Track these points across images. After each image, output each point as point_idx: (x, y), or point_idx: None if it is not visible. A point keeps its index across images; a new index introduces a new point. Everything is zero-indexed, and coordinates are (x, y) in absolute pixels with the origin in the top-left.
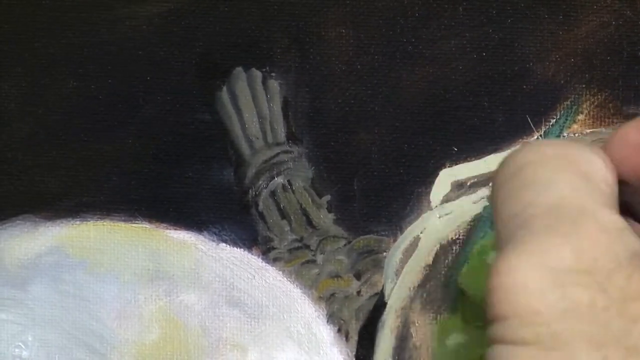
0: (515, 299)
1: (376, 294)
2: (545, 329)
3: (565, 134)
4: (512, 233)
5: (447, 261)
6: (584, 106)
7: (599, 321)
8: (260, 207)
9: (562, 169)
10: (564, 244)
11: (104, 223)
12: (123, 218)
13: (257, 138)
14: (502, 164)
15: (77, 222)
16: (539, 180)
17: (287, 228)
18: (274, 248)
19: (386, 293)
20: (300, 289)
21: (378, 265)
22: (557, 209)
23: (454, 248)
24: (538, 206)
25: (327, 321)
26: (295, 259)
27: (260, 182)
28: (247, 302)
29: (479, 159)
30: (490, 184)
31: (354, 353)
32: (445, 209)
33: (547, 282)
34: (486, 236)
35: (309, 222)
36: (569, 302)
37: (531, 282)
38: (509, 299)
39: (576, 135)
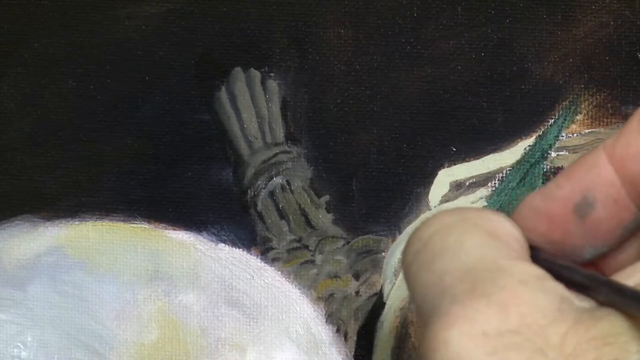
0: None
1: (375, 294)
2: None
3: (563, 134)
4: (433, 305)
5: None
6: (583, 106)
7: None
8: (259, 207)
9: (468, 232)
10: (487, 304)
11: (103, 223)
12: (122, 218)
13: (256, 138)
14: (408, 243)
15: (76, 223)
16: (448, 247)
17: (285, 228)
18: (272, 248)
19: (385, 293)
20: (299, 289)
21: (377, 266)
22: (473, 272)
23: None
24: (453, 272)
25: (326, 321)
26: (294, 259)
27: (259, 182)
28: (246, 302)
29: (478, 159)
30: (402, 261)
31: (352, 353)
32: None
33: (480, 350)
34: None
35: (308, 222)
36: None
37: (464, 353)
38: None
39: (575, 135)
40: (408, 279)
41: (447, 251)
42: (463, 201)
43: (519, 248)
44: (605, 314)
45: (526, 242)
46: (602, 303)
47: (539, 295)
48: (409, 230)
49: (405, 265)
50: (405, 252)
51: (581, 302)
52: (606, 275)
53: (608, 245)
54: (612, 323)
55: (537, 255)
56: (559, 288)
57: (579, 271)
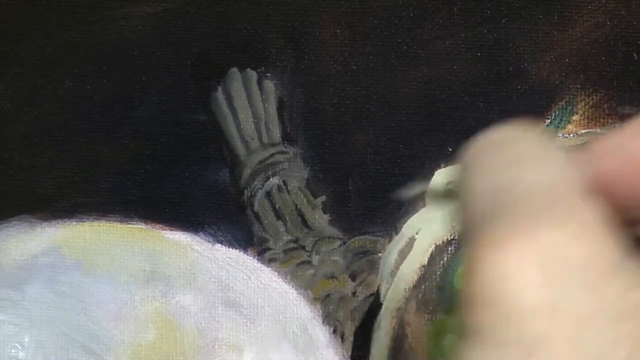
0: (502, 291)
1: (372, 294)
2: (530, 328)
3: (560, 135)
4: (495, 211)
5: (442, 262)
6: (579, 106)
7: (589, 328)
8: (256, 207)
9: (550, 150)
10: (561, 232)
11: (100, 224)
12: (119, 219)
13: (253, 138)
14: (476, 140)
15: (73, 223)
16: (529, 156)
17: (282, 229)
18: (269, 249)
19: (382, 294)
20: (296, 289)
21: (373, 266)
22: (551, 191)
23: (449, 249)
24: (529, 184)
25: (323, 322)
26: (291, 259)
27: (255, 183)
28: (242, 302)
29: None
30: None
31: (349, 354)
32: (440, 210)
33: (539, 275)
34: None
35: (304, 223)
36: (561, 302)
37: (523, 274)
38: (495, 290)
39: (571, 135)
40: (464, 173)
41: (527, 160)
42: None
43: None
44: None
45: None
46: None
47: (610, 243)
48: (405, 230)
49: (468, 160)
50: (467, 150)
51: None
52: None
53: None
54: None
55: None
56: (625, 241)
57: None
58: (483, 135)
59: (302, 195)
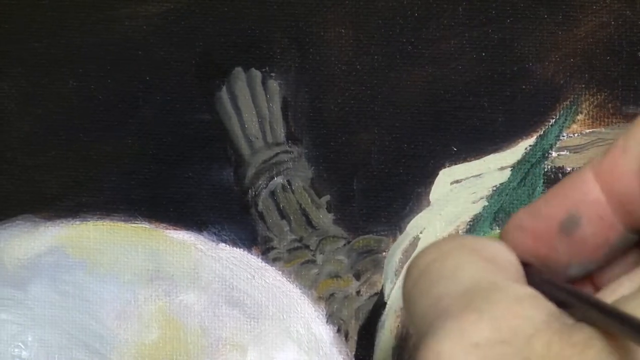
0: None
1: (376, 294)
2: None
3: (564, 134)
4: (429, 324)
5: None
6: (584, 106)
7: None
8: (260, 207)
9: (465, 257)
10: (481, 318)
11: (104, 223)
12: (123, 218)
13: (257, 138)
14: (407, 271)
15: (77, 222)
16: (446, 272)
17: (286, 228)
18: (273, 248)
19: (386, 293)
20: (300, 289)
21: (378, 265)
22: (469, 292)
23: None
24: (450, 294)
25: (327, 321)
26: (295, 259)
27: (259, 182)
28: (246, 302)
29: (479, 159)
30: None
31: (353, 353)
32: (444, 209)
33: (471, 359)
34: (486, 236)
35: (309, 222)
36: None
37: None
38: None
39: (576, 135)
40: (408, 306)
41: (445, 276)
42: (464, 201)
43: (514, 271)
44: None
45: (521, 266)
46: (581, 319)
47: (530, 310)
48: (409, 229)
49: (405, 292)
50: (405, 281)
51: (568, 319)
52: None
53: (595, 262)
54: (593, 331)
55: (532, 277)
56: (548, 305)
57: (563, 288)
58: (412, 263)
59: (307, 195)
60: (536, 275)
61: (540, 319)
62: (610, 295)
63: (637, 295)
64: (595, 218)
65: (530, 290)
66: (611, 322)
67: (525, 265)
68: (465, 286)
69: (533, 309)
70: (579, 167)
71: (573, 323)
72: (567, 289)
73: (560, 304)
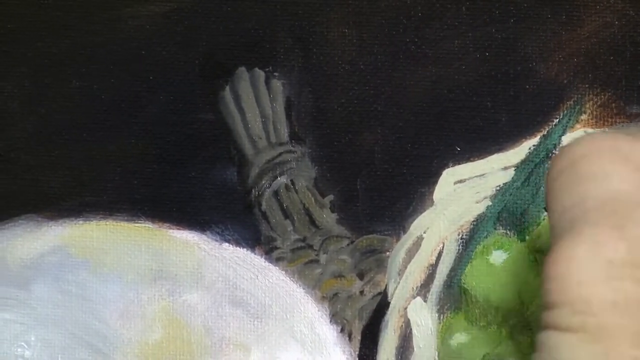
0: (568, 288)
1: (379, 293)
2: (592, 319)
3: (568, 134)
4: (567, 225)
5: (450, 261)
6: (587, 106)
7: None
8: (263, 206)
9: (619, 164)
10: (621, 236)
11: (107, 223)
12: (126, 218)
13: (260, 138)
14: (556, 157)
15: (80, 222)
16: (594, 173)
17: (290, 228)
18: (276, 248)
19: (389, 293)
20: (303, 288)
21: (381, 265)
22: (613, 202)
23: (457, 248)
24: (594, 199)
25: (330, 321)
26: (298, 258)
27: (263, 182)
28: (250, 301)
29: (483, 158)
30: (545, 177)
31: (357, 353)
32: (448, 209)
33: (600, 274)
34: (489, 236)
35: (312, 222)
36: (619, 296)
37: (585, 273)
38: (562, 287)
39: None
40: (548, 195)
41: (592, 177)
42: (467, 200)
43: None
44: None
45: None
46: None
47: None
48: (412, 229)
49: (549, 180)
50: (551, 168)
51: None
52: None
53: None
54: None
55: None
56: None
57: None
58: (563, 150)
59: (310, 195)
60: None
61: None
62: None
63: None
64: None
65: None
66: None
67: None
68: (611, 195)
69: None
70: None
71: None
72: None
73: None
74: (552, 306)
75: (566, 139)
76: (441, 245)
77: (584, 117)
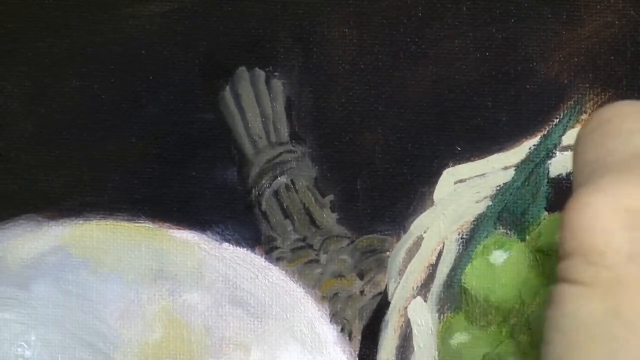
0: (583, 236)
1: (379, 293)
2: (605, 272)
3: (568, 134)
4: (589, 175)
5: (450, 261)
6: (588, 106)
7: None
8: (263, 206)
9: None
10: (639, 185)
11: (107, 222)
12: (126, 217)
13: (260, 138)
14: (588, 120)
15: (81, 222)
16: (621, 132)
17: (290, 227)
18: (277, 247)
19: (389, 292)
20: (304, 288)
21: (381, 265)
22: (636, 158)
23: (457, 247)
24: (619, 153)
25: (331, 321)
26: (298, 258)
27: (263, 182)
28: (250, 301)
29: (483, 158)
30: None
31: (357, 352)
32: (448, 209)
33: (618, 223)
34: (489, 236)
35: (312, 222)
36: (636, 247)
37: (601, 221)
38: (577, 236)
39: None
40: (575, 151)
41: (618, 134)
42: (467, 200)
43: None
44: None
45: None
46: None
47: None
48: (413, 229)
49: (578, 137)
50: (582, 128)
51: None
52: None
53: None
54: None
55: None
56: None
57: None
58: (594, 113)
59: (310, 194)
60: None
61: None
62: None
63: None
64: None
65: None
66: None
67: None
68: (635, 150)
69: None
70: None
71: None
72: None
73: None
74: (565, 256)
75: (566, 139)
76: (441, 245)
77: (584, 117)
